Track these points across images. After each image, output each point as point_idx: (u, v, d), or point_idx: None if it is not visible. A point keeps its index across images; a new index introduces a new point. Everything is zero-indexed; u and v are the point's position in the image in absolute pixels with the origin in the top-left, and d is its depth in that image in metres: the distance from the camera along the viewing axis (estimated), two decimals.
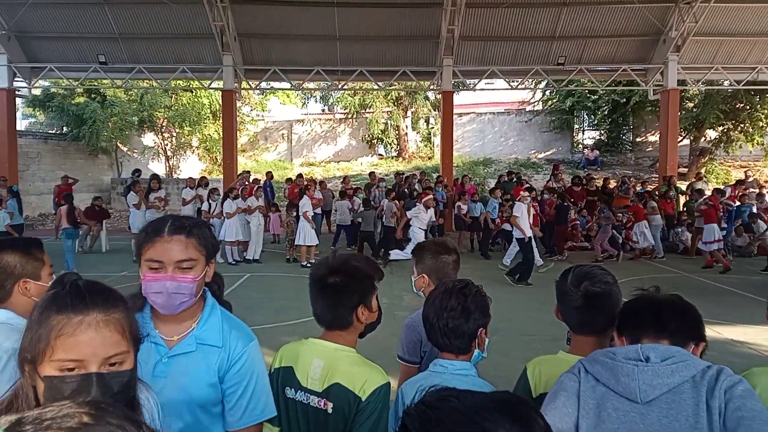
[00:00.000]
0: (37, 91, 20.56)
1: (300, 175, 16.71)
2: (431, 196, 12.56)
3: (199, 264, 1.66)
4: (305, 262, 11.63)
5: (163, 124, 24.64)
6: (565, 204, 13.19)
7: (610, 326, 1.84)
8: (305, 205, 12.12)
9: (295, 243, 12.05)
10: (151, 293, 1.62)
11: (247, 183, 14.06)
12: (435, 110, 26.94)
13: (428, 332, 1.89)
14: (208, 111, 25.06)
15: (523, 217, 10.10)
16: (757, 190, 16.15)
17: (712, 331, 6.94)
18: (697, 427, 1.34)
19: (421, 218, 11.88)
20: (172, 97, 24.44)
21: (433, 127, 28.47)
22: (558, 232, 13.02)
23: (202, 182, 14.40)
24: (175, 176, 23.98)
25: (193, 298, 1.66)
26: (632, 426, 1.39)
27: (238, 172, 16.17)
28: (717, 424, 1.34)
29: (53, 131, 23.89)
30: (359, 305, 1.83)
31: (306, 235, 11.84)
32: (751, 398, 1.35)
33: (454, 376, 1.79)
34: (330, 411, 1.74)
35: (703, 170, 20.88)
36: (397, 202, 13.40)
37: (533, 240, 10.47)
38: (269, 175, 17.47)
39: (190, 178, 15.31)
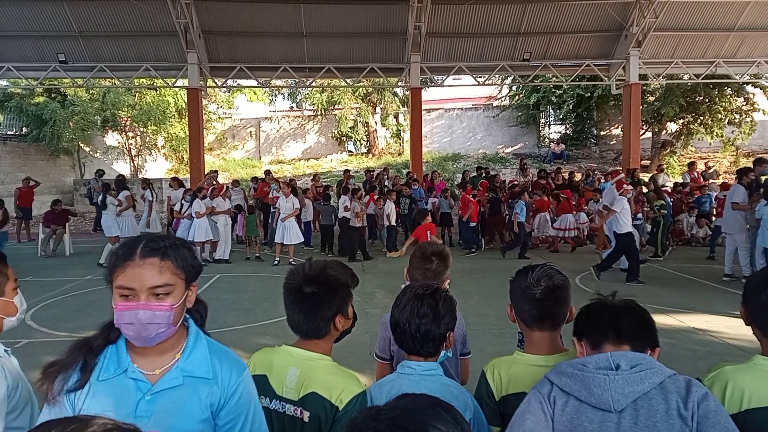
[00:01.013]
0: None
1: (268, 173, 16.59)
2: (622, 175, 11.54)
3: (177, 289, 1.50)
4: (277, 260, 11.61)
5: (127, 124, 24.11)
6: (497, 197, 13.70)
7: (563, 320, 1.93)
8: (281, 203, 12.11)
9: (275, 241, 11.99)
10: (123, 324, 1.46)
11: (215, 182, 13.89)
12: (404, 106, 26.99)
13: (398, 337, 1.90)
14: (174, 109, 24.59)
15: (625, 211, 9.65)
16: (718, 181, 16.62)
17: (674, 320, 7.15)
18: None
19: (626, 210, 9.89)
20: (135, 96, 23.93)
21: (402, 124, 28.52)
22: (492, 223, 13.83)
23: (175, 183, 14.18)
24: (140, 176, 23.50)
25: (172, 328, 1.50)
26: None
27: (206, 172, 15.96)
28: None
29: (12, 132, 23.17)
30: (337, 315, 1.82)
31: (284, 234, 11.84)
32: (723, 414, 1.42)
33: (423, 377, 1.82)
34: (306, 420, 1.73)
35: (664, 162, 21.42)
36: (375, 199, 13.51)
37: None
38: (267, 173, 17.39)
39: (143, 179, 15.17)
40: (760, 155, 16.95)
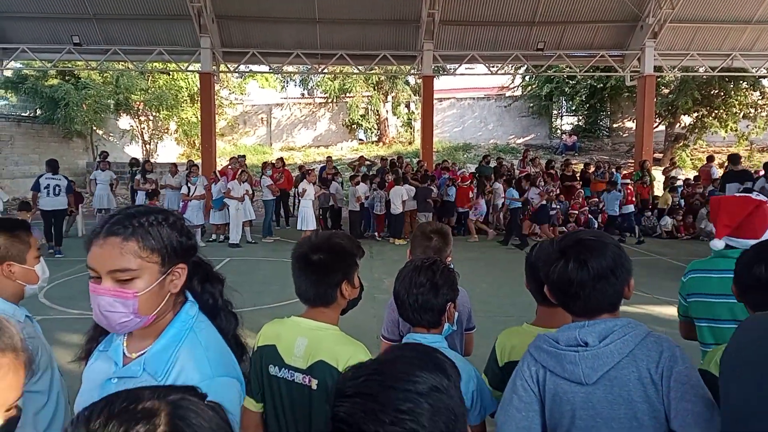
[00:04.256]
0: (8, 73, 20.09)
1: (280, 159, 16.67)
2: None
3: (145, 273, 1.31)
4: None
5: (140, 108, 24.23)
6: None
7: None
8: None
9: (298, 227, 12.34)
10: (93, 306, 1.33)
11: (240, 166, 14.15)
12: (415, 95, 26.90)
13: (399, 308, 1.96)
14: (186, 94, 24.69)
15: None
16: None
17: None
18: (639, 401, 1.44)
19: None
20: (148, 80, 24.02)
21: (413, 112, 28.43)
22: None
23: (189, 165, 14.28)
24: (152, 160, 23.61)
25: (141, 317, 1.32)
26: (583, 405, 1.48)
27: (218, 156, 16.09)
28: (661, 401, 1.43)
29: (26, 114, 23.32)
30: (343, 282, 1.87)
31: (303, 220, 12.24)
32: (693, 378, 1.44)
33: None
34: (314, 387, 1.78)
35: (676, 156, 21.26)
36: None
37: None
38: (329, 159, 17.71)
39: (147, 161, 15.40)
40: None
